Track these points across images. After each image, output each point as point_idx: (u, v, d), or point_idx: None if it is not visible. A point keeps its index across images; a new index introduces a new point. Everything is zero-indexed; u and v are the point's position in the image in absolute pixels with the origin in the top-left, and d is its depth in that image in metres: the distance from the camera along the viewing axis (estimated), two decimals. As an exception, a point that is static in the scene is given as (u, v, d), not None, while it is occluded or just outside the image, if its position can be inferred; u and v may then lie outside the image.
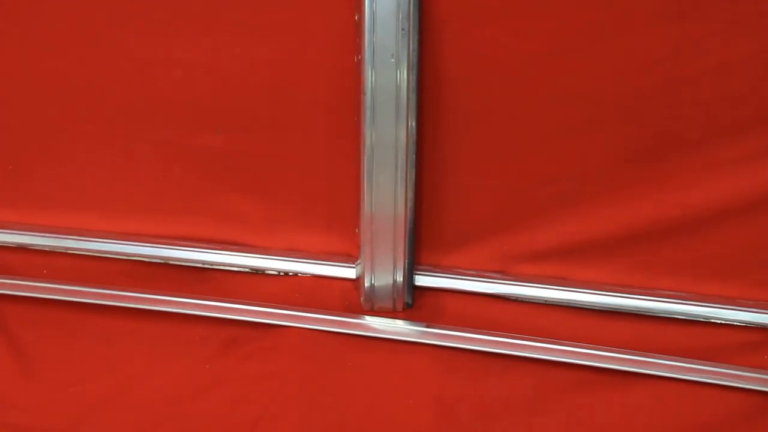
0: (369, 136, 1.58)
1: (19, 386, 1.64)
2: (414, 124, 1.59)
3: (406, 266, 1.69)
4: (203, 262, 1.79)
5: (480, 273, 1.75)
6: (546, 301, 1.73)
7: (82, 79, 1.70)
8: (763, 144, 1.57)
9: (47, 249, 1.82)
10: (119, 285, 1.76)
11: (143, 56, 1.66)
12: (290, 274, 1.79)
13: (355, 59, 1.56)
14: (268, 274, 1.79)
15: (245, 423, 1.58)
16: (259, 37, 1.62)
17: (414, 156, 1.62)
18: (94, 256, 1.81)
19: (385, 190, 1.62)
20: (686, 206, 1.64)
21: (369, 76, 1.54)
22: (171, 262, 1.80)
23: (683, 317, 1.69)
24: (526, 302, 1.73)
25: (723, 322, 1.68)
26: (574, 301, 1.72)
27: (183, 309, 1.72)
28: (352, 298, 1.75)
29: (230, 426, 1.58)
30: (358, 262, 1.71)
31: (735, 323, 1.68)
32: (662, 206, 1.64)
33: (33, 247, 1.82)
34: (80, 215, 1.81)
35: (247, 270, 1.79)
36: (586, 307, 1.72)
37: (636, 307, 1.70)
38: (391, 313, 1.73)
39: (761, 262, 1.66)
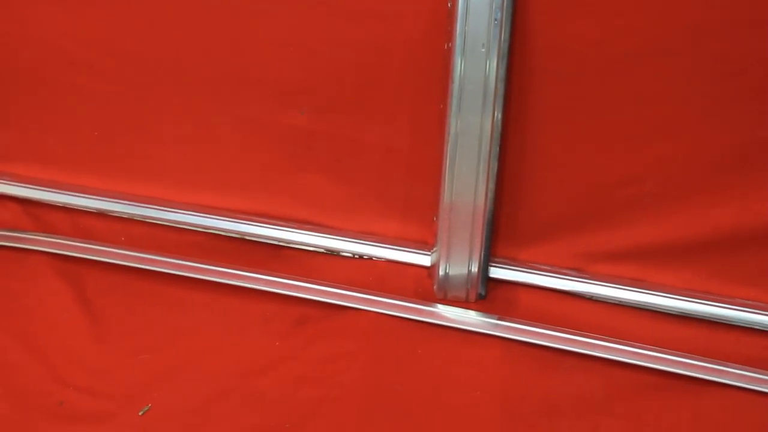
0: (454, 124, 1.57)
1: (91, 349, 1.66)
2: (500, 115, 1.58)
3: (482, 257, 1.68)
4: (279, 240, 1.80)
5: (555, 269, 1.74)
6: (621, 302, 1.71)
7: (170, 52, 1.72)
8: None
9: (126, 216, 1.84)
10: (195, 257, 1.78)
11: (232, 31, 1.67)
12: (365, 257, 1.79)
13: (445, 46, 1.56)
14: (343, 256, 1.79)
15: (310, 402, 1.59)
16: (349, 19, 1.62)
17: (497, 147, 1.61)
18: (172, 227, 1.83)
19: (467, 179, 1.61)
20: (769, 217, 1.62)
21: (458, 65, 1.53)
22: (247, 238, 1.81)
23: (760, 327, 1.67)
24: (600, 302, 1.72)
25: (802, 335, 1.66)
26: (649, 303, 1.70)
27: (256, 285, 1.73)
28: (425, 286, 1.75)
29: (295, 404, 1.59)
30: (434, 250, 1.71)
31: (814, 338, 1.66)
32: (746, 214, 1.62)
33: (112, 214, 1.84)
34: (161, 185, 1.84)
35: (321, 250, 1.80)
36: (660, 310, 1.70)
37: (712, 314, 1.68)
38: (463, 304, 1.73)
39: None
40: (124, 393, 1.59)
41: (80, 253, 1.78)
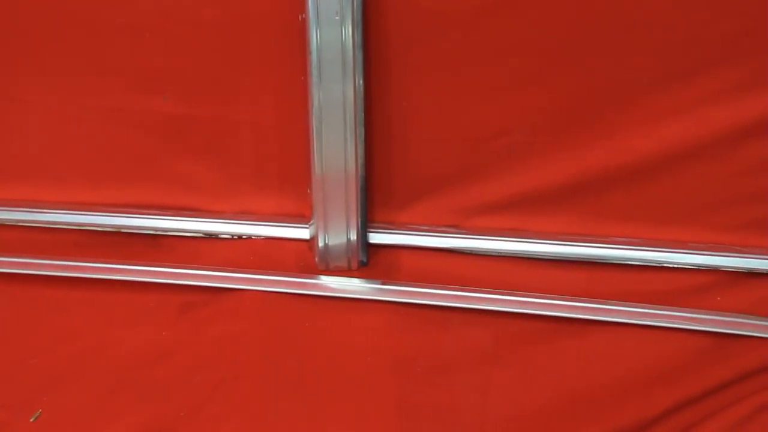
0: (316, 95, 1.57)
1: (-26, 362, 1.63)
2: (361, 81, 1.58)
3: (360, 224, 1.69)
4: (156, 229, 1.78)
5: (434, 228, 1.75)
6: (500, 253, 1.73)
7: (25, 46, 1.67)
8: (710, 88, 1.58)
9: (-5, 222, 1.81)
10: (72, 255, 1.75)
11: (87, 22, 1.64)
12: (244, 237, 1.78)
13: (300, 18, 1.55)
14: (222, 238, 1.78)
15: (205, 386, 1.58)
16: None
17: (363, 113, 1.61)
18: (45, 228, 1.79)
19: (335, 148, 1.61)
20: (636, 152, 1.64)
21: (314, 35, 1.53)
22: (123, 230, 1.79)
23: (636, 263, 1.71)
24: (480, 255, 1.74)
25: (675, 266, 1.70)
26: (529, 251, 1.73)
27: (137, 276, 1.71)
28: (307, 259, 1.75)
29: (191, 390, 1.58)
30: (312, 222, 1.71)
31: (687, 266, 1.70)
32: (612, 154, 1.65)
33: (-19, 221, 1.81)
34: (29, 186, 1.80)
35: (200, 235, 1.78)
36: (540, 257, 1.73)
37: (590, 255, 1.71)
38: (346, 272, 1.73)
39: (711, 205, 1.68)
40: (12, 401, 1.57)
41: (-49, 265, 1.74)
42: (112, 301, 1.71)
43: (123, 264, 1.73)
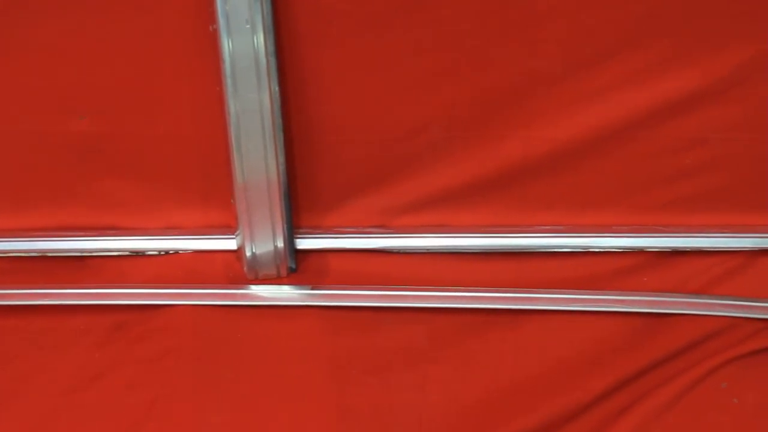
0: (233, 104, 1.56)
1: None
2: (277, 87, 1.58)
3: (286, 231, 1.69)
4: (81, 251, 1.76)
5: (360, 229, 1.75)
6: (428, 249, 1.74)
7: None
8: (623, 72, 1.60)
9: None
10: (-2, 284, 1.73)
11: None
12: (171, 252, 1.76)
13: (211, 28, 1.55)
14: (149, 255, 1.76)
15: (141, 405, 1.58)
16: (112, 15, 1.58)
17: (280, 120, 1.61)
18: (-32, 258, 1.77)
19: (255, 157, 1.60)
20: (554, 140, 1.65)
21: (226, 45, 1.52)
22: (49, 254, 1.76)
23: (562, 249, 1.72)
24: (409, 253, 1.74)
25: (600, 249, 1.71)
26: (456, 246, 1.73)
27: (65, 300, 1.69)
28: (235, 269, 1.74)
29: (126, 410, 1.57)
30: (238, 232, 1.70)
31: (612, 249, 1.71)
32: (530, 143, 1.66)
33: None
34: (-52, 217, 1.77)
35: (126, 253, 1.76)
36: (468, 251, 1.73)
37: (516, 245, 1.72)
38: (275, 280, 1.73)
39: (631, 187, 1.70)
40: (-52, 435, 1.56)
41: None
42: (41, 327, 1.68)
43: (50, 288, 1.71)
